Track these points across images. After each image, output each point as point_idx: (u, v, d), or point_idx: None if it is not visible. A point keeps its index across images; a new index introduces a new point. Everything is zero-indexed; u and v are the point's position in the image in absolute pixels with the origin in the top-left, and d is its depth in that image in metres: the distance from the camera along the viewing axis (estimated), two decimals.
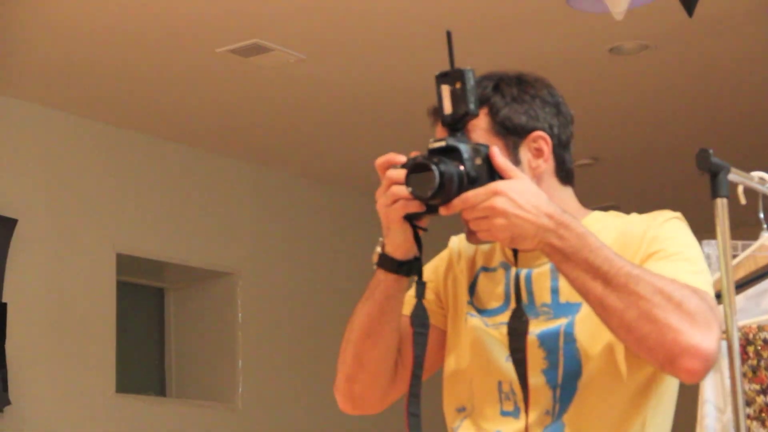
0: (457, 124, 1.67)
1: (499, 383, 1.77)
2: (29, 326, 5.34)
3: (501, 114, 1.77)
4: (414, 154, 1.66)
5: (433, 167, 1.60)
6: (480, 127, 1.76)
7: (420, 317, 1.72)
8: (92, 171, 5.75)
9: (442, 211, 1.64)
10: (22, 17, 4.60)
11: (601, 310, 1.61)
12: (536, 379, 1.73)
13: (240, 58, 5.04)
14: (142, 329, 6.35)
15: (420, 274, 1.74)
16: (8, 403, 5.15)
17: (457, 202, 1.62)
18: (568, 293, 1.74)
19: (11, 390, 5.18)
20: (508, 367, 1.73)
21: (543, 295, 1.78)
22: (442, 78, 1.67)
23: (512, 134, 1.77)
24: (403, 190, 1.64)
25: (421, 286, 1.73)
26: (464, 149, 1.63)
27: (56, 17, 4.62)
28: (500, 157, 1.64)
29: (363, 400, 1.85)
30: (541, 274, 1.78)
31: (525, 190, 1.61)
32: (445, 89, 1.67)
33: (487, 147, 1.66)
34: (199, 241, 6.18)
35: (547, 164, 1.79)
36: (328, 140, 6.15)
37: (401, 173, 1.65)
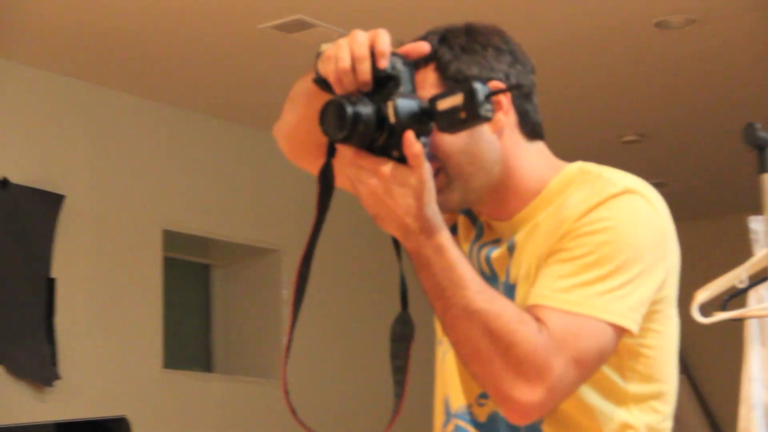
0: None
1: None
2: (77, 301, 5.40)
3: (451, 67, 1.60)
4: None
5: (349, 106, 1.45)
6: (429, 83, 1.59)
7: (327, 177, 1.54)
8: (139, 148, 5.79)
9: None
10: None
11: (445, 330, 1.50)
12: None
13: (282, 34, 5.04)
14: (188, 305, 6.40)
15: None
16: (58, 377, 5.22)
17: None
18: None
19: (60, 364, 5.24)
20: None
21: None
22: None
23: None
24: None
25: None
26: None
27: None
28: (414, 145, 1.45)
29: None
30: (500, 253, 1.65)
31: (408, 183, 1.45)
32: None
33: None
34: (244, 218, 6.21)
35: (507, 117, 1.61)
36: None
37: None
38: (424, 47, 1.54)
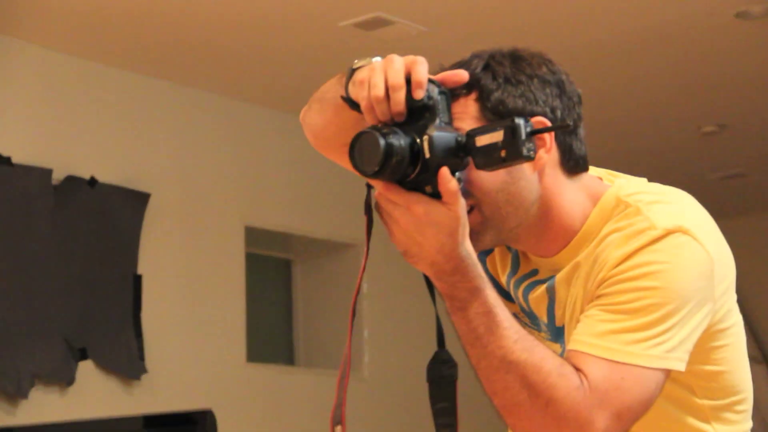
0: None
1: None
2: (163, 297, 5.49)
3: (493, 98, 1.49)
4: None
5: (381, 139, 1.36)
6: (469, 115, 1.49)
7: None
8: (221, 146, 5.87)
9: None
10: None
11: (479, 378, 1.43)
12: None
13: (362, 32, 5.08)
14: (270, 300, 6.47)
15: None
16: (145, 371, 5.32)
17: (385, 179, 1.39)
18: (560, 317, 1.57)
19: (147, 358, 5.35)
20: None
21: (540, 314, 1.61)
22: None
23: None
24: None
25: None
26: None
27: None
28: (450, 182, 1.37)
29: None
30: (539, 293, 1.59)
31: (441, 221, 1.37)
32: None
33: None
34: (325, 214, 6.26)
35: (549, 155, 1.51)
36: None
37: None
38: (462, 76, 1.46)
